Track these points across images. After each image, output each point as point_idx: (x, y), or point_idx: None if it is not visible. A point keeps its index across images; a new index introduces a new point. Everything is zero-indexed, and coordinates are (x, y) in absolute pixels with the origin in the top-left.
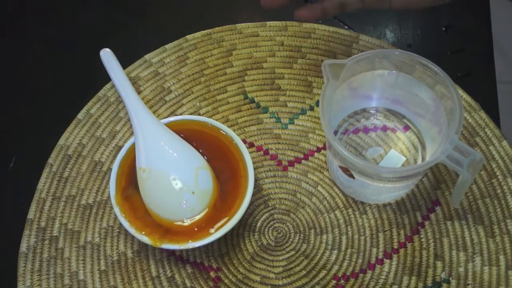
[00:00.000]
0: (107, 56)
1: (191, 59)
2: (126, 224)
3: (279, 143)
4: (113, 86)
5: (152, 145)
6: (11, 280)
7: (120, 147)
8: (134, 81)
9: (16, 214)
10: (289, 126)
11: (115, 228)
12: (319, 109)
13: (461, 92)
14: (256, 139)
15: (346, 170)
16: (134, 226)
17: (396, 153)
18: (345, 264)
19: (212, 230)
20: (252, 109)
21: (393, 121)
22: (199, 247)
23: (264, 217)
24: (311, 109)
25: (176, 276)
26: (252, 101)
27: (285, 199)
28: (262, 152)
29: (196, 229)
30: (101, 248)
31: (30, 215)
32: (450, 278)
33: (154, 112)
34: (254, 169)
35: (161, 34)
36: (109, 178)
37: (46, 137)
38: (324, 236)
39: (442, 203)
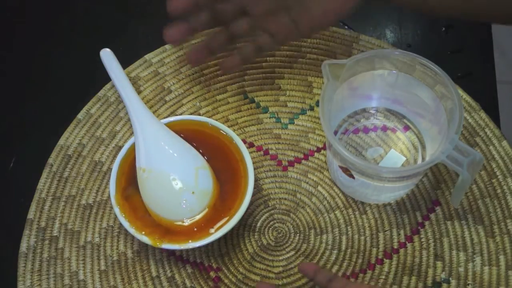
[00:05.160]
0: (107, 56)
1: None
2: (126, 224)
3: (279, 143)
4: (113, 86)
5: (152, 145)
6: (11, 280)
7: (120, 147)
8: (134, 81)
9: (16, 214)
10: (289, 126)
11: (115, 228)
12: (319, 109)
13: (461, 92)
14: (256, 139)
15: (346, 170)
16: (134, 226)
17: (396, 153)
18: (345, 264)
19: (212, 230)
20: (252, 109)
21: (393, 121)
22: (199, 247)
23: (264, 217)
24: (311, 109)
25: (176, 276)
26: (252, 101)
27: (285, 199)
28: (262, 152)
29: (196, 229)
30: (101, 248)
31: (30, 215)
32: (450, 278)
33: (154, 112)
34: (254, 169)
35: (161, 34)
36: (109, 178)
37: (46, 137)
38: (324, 236)
39: (442, 203)
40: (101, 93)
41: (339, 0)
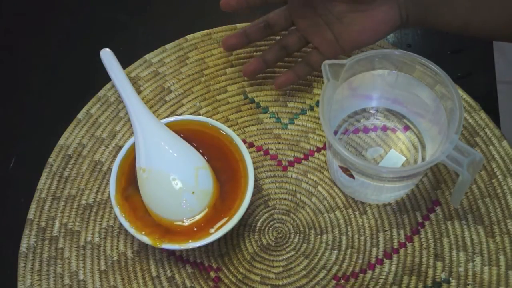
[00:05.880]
0: (107, 56)
1: (191, 59)
2: (126, 224)
3: (279, 143)
4: (113, 86)
5: (152, 145)
6: (11, 280)
7: (120, 147)
8: (134, 81)
9: (16, 214)
10: (289, 126)
11: (115, 228)
12: (319, 109)
13: (461, 92)
14: (256, 139)
15: (346, 170)
16: (134, 226)
17: (396, 153)
18: (345, 264)
19: (212, 230)
20: (252, 109)
21: (393, 121)
22: (199, 247)
23: (264, 217)
24: (311, 109)
25: (176, 276)
26: (252, 101)
27: (285, 199)
28: (262, 152)
29: (196, 229)
30: (101, 248)
31: (30, 215)
32: (450, 278)
33: (154, 112)
34: (254, 169)
35: (161, 34)
36: (109, 178)
37: (46, 137)
38: (324, 236)
39: (442, 203)
40: (101, 93)
41: (375, 22)
